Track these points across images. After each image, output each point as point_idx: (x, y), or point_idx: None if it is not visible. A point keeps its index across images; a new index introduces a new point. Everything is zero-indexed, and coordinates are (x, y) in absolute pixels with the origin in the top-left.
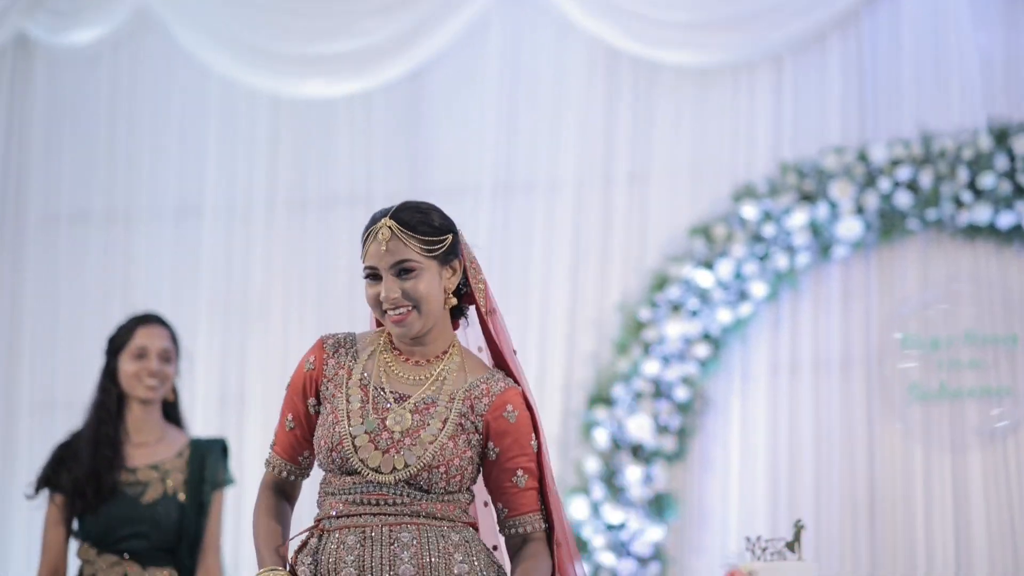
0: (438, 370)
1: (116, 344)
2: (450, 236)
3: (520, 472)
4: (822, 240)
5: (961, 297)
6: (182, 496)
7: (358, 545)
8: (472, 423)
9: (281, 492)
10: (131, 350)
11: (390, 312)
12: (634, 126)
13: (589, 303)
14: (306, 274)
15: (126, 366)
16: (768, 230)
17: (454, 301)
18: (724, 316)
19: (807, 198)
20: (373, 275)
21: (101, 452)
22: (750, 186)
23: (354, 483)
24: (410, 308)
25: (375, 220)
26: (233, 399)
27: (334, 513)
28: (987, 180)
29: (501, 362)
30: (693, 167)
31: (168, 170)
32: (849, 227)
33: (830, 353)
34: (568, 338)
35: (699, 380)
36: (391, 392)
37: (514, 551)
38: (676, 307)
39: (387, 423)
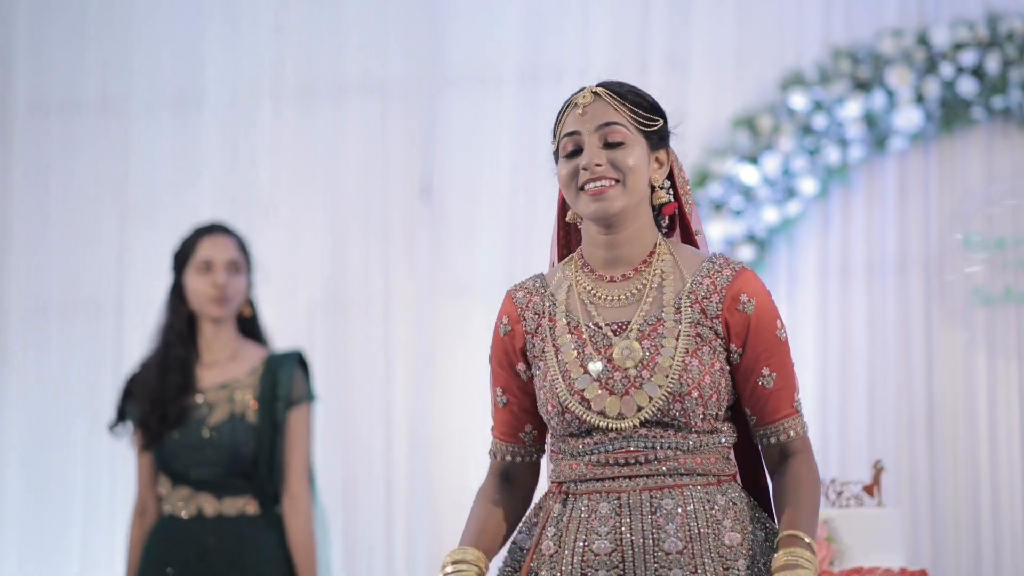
0: (650, 277)
1: (180, 259)
2: (663, 120)
3: (766, 371)
4: (877, 132)
5: None
6: (252, 417)
7: (613, 514)
8: (711, 329)
9: (507, 478)
10: (195, 264)
11: (589, 185)
12: (671, 7)
13: None
14: (316, 169)
15: (192, 282)
16: (819, 121)
17: (663, 196)
18: (770, 215)
19: (861, 86)
20: (572, 150)
21: (170, 378)
22: (799, 73)
23: (596, 442)
24: (615, 181)
25: (575, 93)
26: None
27: (576, 477)
28: None
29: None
30: (737, 52)
31: (166, 56)
32: (907, 117)
33: (885, 255)
34: None
35: None
36: (607, 324)
37: (773, 466)
38: (718, 206)
39: (615, 361)
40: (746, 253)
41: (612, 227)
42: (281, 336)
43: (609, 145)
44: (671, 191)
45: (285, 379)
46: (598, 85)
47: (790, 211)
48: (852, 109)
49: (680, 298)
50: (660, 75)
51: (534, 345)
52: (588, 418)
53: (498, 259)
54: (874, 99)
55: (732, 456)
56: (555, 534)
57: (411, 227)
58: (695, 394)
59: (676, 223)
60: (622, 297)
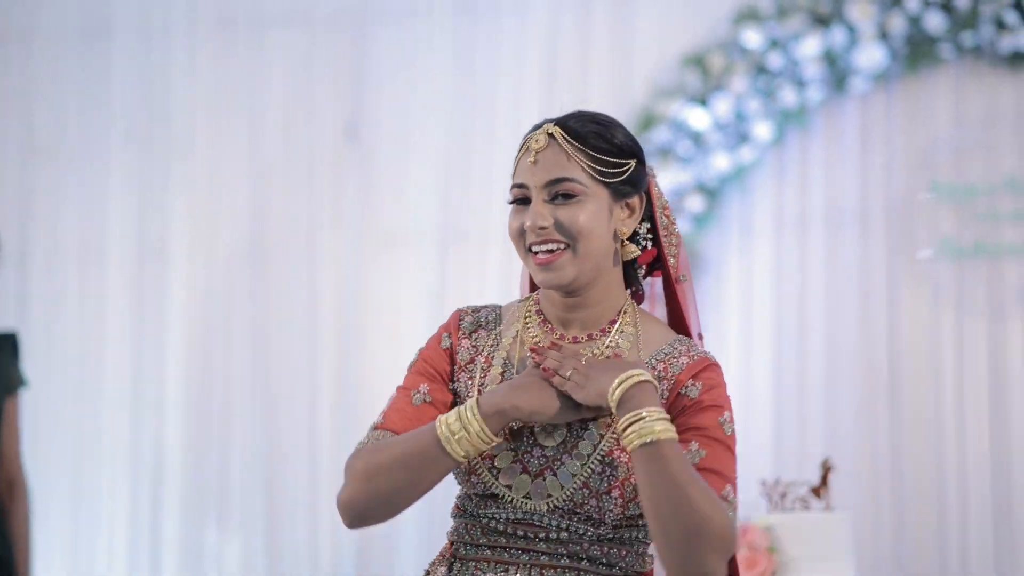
0: (602, 349)
1: None
2: (633, 162)
3: (695, 446)
4: (837, 71)
5: (1001, 138)
6: None
7: None
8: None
9: None
10: None
11: (535, 248)
12: None
13: None
14: (235, 108)
15: None
16: (774, 60)
17: (633, 250)
18: (721, 163)
19: (820, 21)
20: (521, 198)
21: None
22: (753, 7)
23: (501, 508)
24: (564, 246)
25: (536, 127)
26: (154, 247)
27: (468, 540)
28: None
29: (680, 325)
30: None
31: None
32: (870, 55)
33: (845, 205)
34: None
35: (692, 238)
36: None
37: None
38: (665, 152)
39: (538, 436)
40: (695, 204)
41: (569, 293)
42: (198, 287)
43: (560, 198)
44: (651, 232)
45: (2, 365)
46: (557, 123)
47: (743, 158)
48: (810, 46)
49: None
50: (604, 9)
51: (459, 380)
52: (494, 489)
53: (431, 206)
54: (834, 35)
55: (650, 557)
56: None
57: (337, 171)
58: (615, 493)
59: (660, 264)
60: None
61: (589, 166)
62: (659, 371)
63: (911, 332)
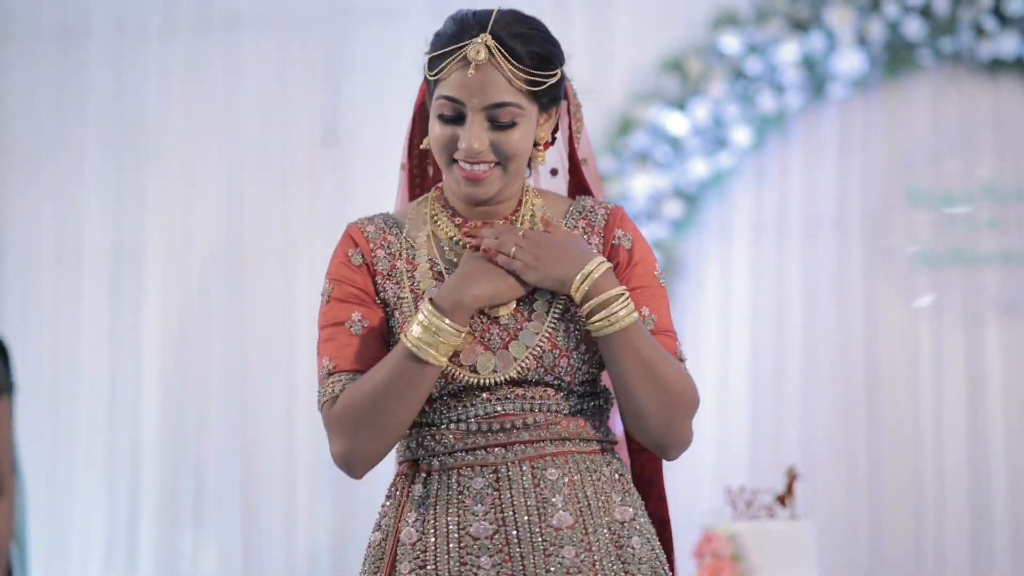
0: (519, 224)
1: None
2: (560, 71)
3: (645, 311)
4: (816, 77)
5: (980, 145)
6: None
7: (490, 490)
8: None
9: None
10: None
11: (466, 165)
12: None
13: None
14: (210, 110)
15: None
16: (752, 65)
17: (541, 156)
18: (699, 168)
19: (799, 26)
20: (452, 113)
21: None
22: (731, 12)
23: (464, 406)
24: (494, 165)
25: (463, 29)
26: (129, 251)
27: (442, 450)
28: (1015, 4)
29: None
30: None
31: None
32: (848, 61)
33: (823, 212)
34: None
35: (670, 243)
36: None
37: None
38: (643, 157)
39: (487, 311)
40: (673, 209)
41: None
42: (172, 292)
43: (496, 127)
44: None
45: None
46: (492, 35)
47: (721, 163)
48: (789, 52)
49: None
50: (581, 12)
51: (385, 290)
52: (458, 375)
53: None
54: (812, 41)
55: (612, 424)
56: (417, 520)
57: (314, 174)
58: (583, 348)
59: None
60: None
61: (526, 87)
62: (582, 228)
63: (888, 338)
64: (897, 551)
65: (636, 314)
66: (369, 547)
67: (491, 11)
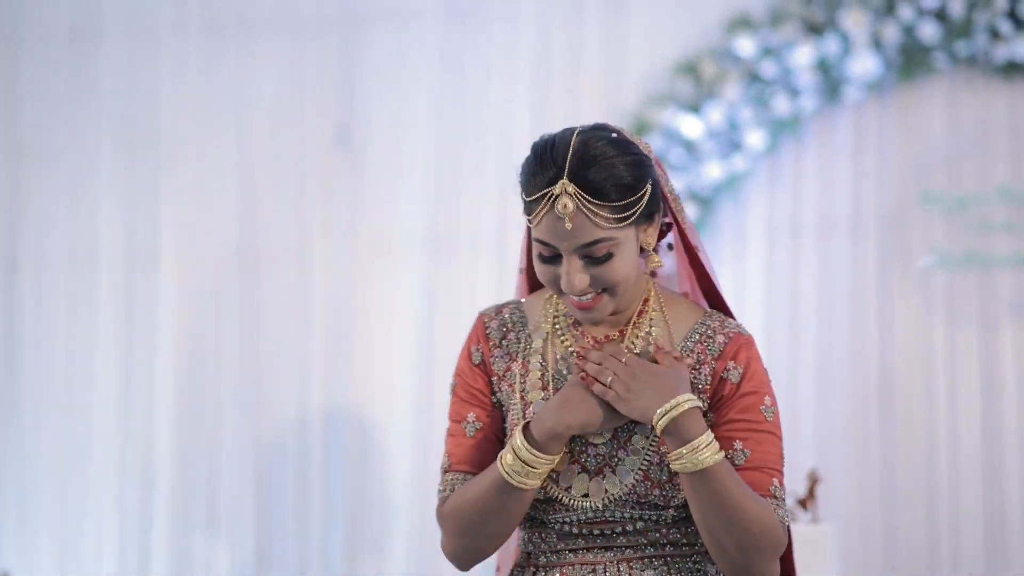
0: (637, 341)
1: None
2: (648, 186)
3: (738, 444)
4: (831, 80)
5: (995, 147)
6: None
7: None
8: (699, 398)
9: None
10: None
11: (575, 298)
12: None
13: None
14: (223, 112)
15: None
16: (767, 68)
17: (658, 261)
18: (714, 171)
19: (814, 29)
20: (549, 254)
21: None
22: (746, 15)
23: (566, 510)
24: (601, 292)
25: (543, 169)
26: (143, 253)
27: (547, 548)
28: None
29: (718, 303)
30: None
31: None
32: (863, 64)
33: (838, 215)
34: None
35: None
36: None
37: None
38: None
39: (587, 435)
40: (687, 212)
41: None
42: (186, 296)
43: (593, 262)
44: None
45: None
46: (572, 177)
47: (736, 166)
48: (803, 55)
49: None
50: (595, 15)
51: (500, 390)
52: (552, 492)
53: (423, 213)
54: (827, 44)
55: None
56: None
57: (327, 177)
58: (675, 477)
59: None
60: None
61: (615, 219)
62: (697, 354)
63: (903, 342)
64: (912, 553)
65: (720, 455)
66: None
67: (569, 146)
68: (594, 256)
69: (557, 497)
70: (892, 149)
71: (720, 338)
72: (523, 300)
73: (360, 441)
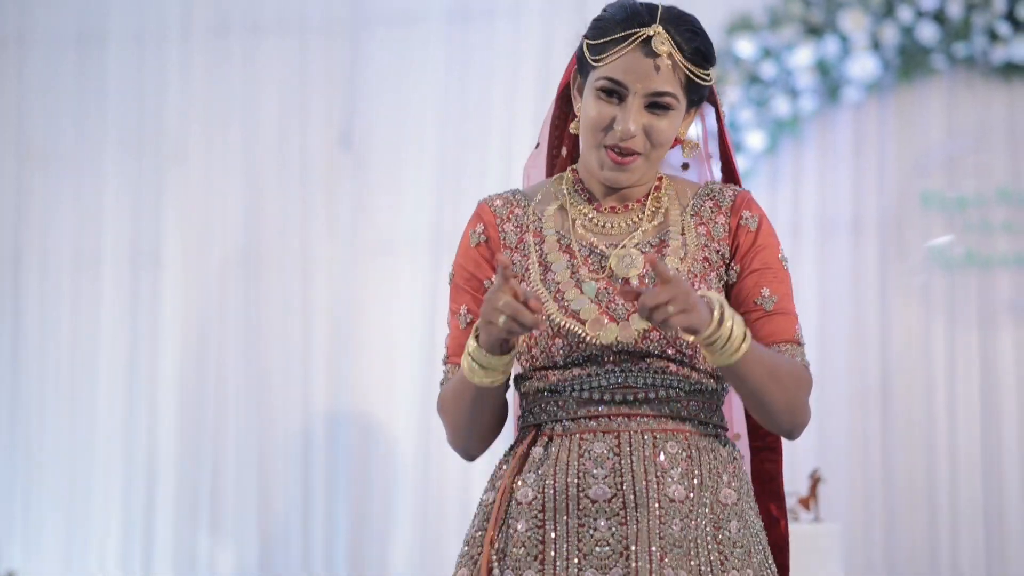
0: (648, 209)
1: None
2: (714, 72)
3: (767, 292)
4: (830, 81)
5: (993, 149)
6: None
7: (611, 455)
8: (717, 252)
9: None
10: None
11: (614, 150)
12: None
13: None
14: (229, 114)
15: None
16: (767, 69)
17: (694, 144)
18: (715, 171)
19: (813, 31)
20: (614, 92)
21: None
22: (746, 16)
23: (589, 375)
24: (640, 153)
25: (632, 16)
26: (147, 254)
27: (564, 415)
28: None
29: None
30: None
31: None
32: (863, 65)
33: (838, 215)
34: None
35: None
36: (606, 247)
37: None
38: None
39: (615, 271)
40: None
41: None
42: (190, 296)
43: (652, 111)
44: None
45: None
46: (666, 25)
47: (736, 167)
48: (803, 56)
49: (684, 219)
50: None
51: (513, 262)
52: (583, 346)
53: (425, 214)
54: (827, 45)
55: (729, 419)
56: (536, 480)
57: (331, 178)
58: None
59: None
60: (622, 224)
61: (687, 81)
62: (710, 207)
63: (902, 341)
64: (912, 552)
65: (748, 341)
66: (480, 506)
67: (657, 5)
68: (659, 105)
69: (587, 343)
70: (891, 150)
71: (728, 192)
72: (520, 188)
73: (363, 441)
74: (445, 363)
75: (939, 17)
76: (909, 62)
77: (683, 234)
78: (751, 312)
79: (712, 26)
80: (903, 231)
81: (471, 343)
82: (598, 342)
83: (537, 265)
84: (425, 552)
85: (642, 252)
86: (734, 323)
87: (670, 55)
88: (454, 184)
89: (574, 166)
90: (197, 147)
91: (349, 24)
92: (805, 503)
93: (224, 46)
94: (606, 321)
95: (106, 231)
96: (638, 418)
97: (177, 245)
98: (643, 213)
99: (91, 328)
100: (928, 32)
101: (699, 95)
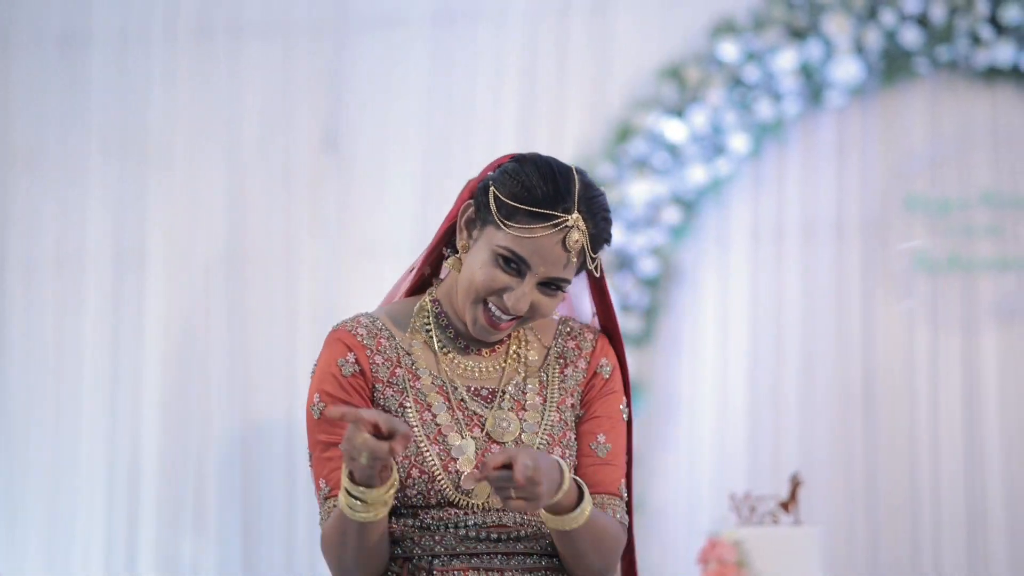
0: (511, 350)
1: None
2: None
3: (602, 439)
4: (814, 85)
5: (976, 152)
6: None
7: None
8: (571, 396)
9: None
10: None
11: (496, 313)
12: None
13: None
14: (213, 116)
15: None
16: (750, 72)
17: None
18: (698, 175)
19: (797, 34)
20: (513, 263)
21: None
22: (730, 20)
23: (465, 513)
24: (519, 318)
25: (559, 202)
26: (131, 256)
27: (443, 551)
28: (1011, 12)
29: (611, 325)
30: None
31: None
32: (846, 69)
33: (821, 218)
34: None
35: (668, 250)
36: (470, 392)
37: None
38: (641, 164)
39: (490, 434)
40: (671, 215)
41: None
42: (174, 298)
43: (543, 289)
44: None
45: None
46: (587, 218)
47: (719, 170)
48: (786, 60)
49: (548, 364)
50: (581, 20)
51: (387, 397)
52: (454, 498)
53: (410, 216)
54: (810, 49)
55: None
56: None
57: (316, 180)
58: (559, 451)
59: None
60: (486, 368)
61: (584, 267)
62: (572, 349)
63: (885, 344)
64: (894, 556)
65: (589, 510)
66: None
67: (572, 179)
68: (553, 286)
69: (455, 502)
70: (874, 153)
71: (589, 335)
72: (371, 312)
73: None
74: (325, 500)
75: (922, 21)
76: (892, 66)
77: (542, 384)
78: (583, 456)
79: (696, 29)
80: (886, 234)
81: (346, 482)
82: (471, 499)
83: (414, 405)
84: None
85: (515, 415)
86: (584, 495)
87: (582, 247)
88: (438, 186)
89: (432, 292)
90: (181, 148)
91: (333, 26)
92: (785, 506)
93: (208, 47)
94: (478, 475)
95: (90, 232)
96: (516, 556)
97: (161, 247)
98: (507, 355)
99: (74, 329)
100: (911, 36)
101: (592, 272)
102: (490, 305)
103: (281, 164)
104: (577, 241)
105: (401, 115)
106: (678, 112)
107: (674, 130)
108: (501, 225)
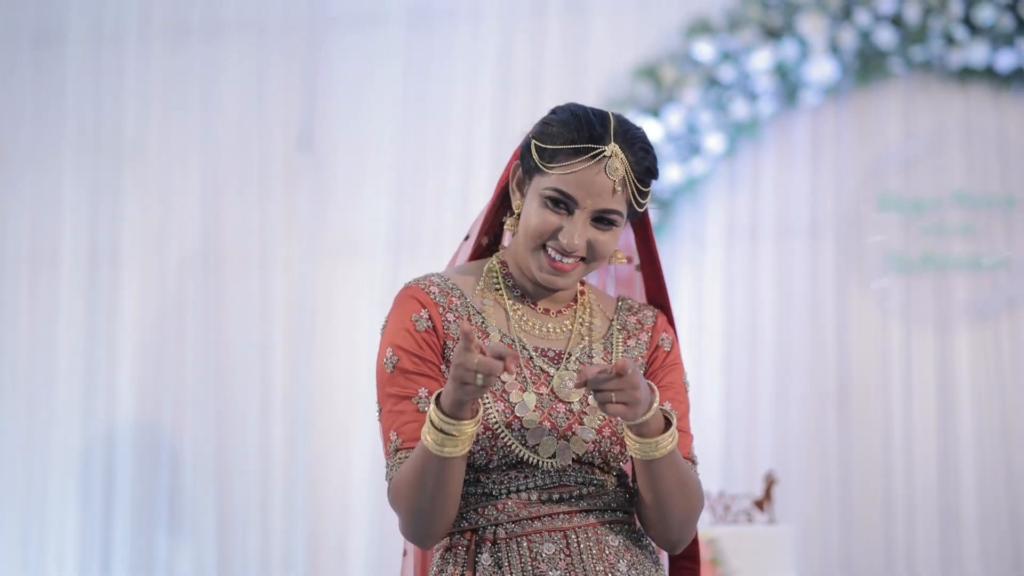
0: (578, 316)
1: None
2: (653, 185)
3: (668, 406)
4: (788, 84)
5: (950, 152)
6: None
7: (562, 555)
8: (639, 366)
9: None
10: None
11: (556, 255)
12: None
13: None
14: (187, 114)
15: None
16: (726, 72)
17: (621, 258)
18: (673, 174)
19: (772, 34)
20: (562, 203)
21: None
22: (705, 19)
23: (527, 476)
24: (580, 261)
25: (587, 130)
26: (105, 254)
27: (507, 518)
28: (985, 13)
29: (657, 276)
30: None
31: None
32: (821, 69)
33: (796, 217)
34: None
35: None
36: (539, 352)
37: None
38: None
39: (556, 392)
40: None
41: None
42: (148, 295)
43: (596, 225)
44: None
45: None
46: (624, 146)
47: (695, 169)
48: (761, 59)
49: (611, 335)
50: (557, 19)
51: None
52: (520, 453)
53: (385, 216)
54: (785, 49)
55: None
56: None
57: (291, 179)
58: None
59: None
60: (552, 329)
61: (632, 200)
62: (633, 323)
63: (859, 343)
64: (868, 554)
65: (675, 441)
66: None
67: (608, 116)
68: (605, 220)
69: (524, 458)
70: (849, 153)
71: (647, 311)
72: (441, 273)
73: (322, 442)
74: (395, 452)
75: (897, 21)
76: (867, 66)
77: (608, 351)
78: None
79: (671, 29)
80: (860, 233)
81: (435, 416)
82: (537, 455)
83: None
84: (383, 553)
85: (579, 365)
86: (672, 424)
87: (623, 175)
88: (414, 184)
89: (500, 255)
90: (155, 146)
91: (309, 25)
92: (760, 505)
93: (183, 46)
94: (547, 429)
95: (64, 229)
96: (579, 514)
97: (135, 244)
98: (574, 320)
99: (48, 326)
100: (886, 36)
101: (639, 209)
102: (549, 249)
103: (256, 163)
104: (617, 170)
105: (376, 114)
106: (654, 112)
107: (649, 130)
108: (544, 170)
